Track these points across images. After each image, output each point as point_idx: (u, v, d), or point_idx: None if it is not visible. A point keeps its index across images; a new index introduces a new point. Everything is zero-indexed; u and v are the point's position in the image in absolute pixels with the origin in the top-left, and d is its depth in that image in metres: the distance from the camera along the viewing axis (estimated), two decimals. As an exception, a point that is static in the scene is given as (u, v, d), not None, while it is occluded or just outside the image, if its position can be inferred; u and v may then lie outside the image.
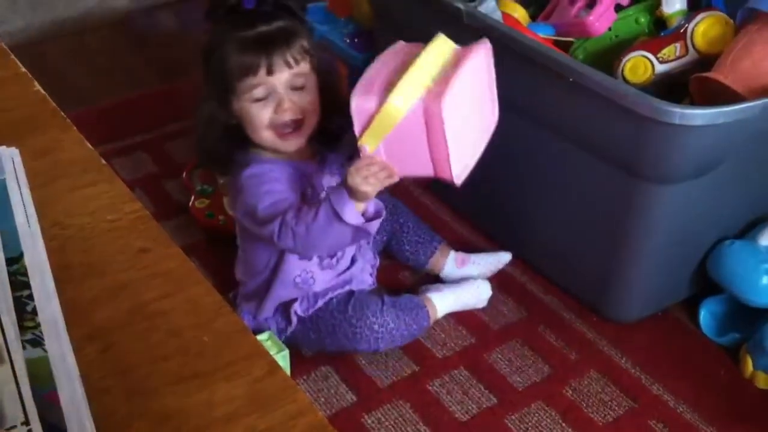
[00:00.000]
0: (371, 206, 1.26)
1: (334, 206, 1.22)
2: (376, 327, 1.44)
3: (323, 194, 1.33)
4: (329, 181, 1.38)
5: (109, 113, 2.13)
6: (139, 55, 2.43)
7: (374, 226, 1.26)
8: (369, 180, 1.19)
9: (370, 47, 2.00)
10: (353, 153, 1.24)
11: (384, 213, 1.28)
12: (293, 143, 1.33)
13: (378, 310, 1.44)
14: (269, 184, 1.31)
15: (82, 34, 2.50)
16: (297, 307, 1.45)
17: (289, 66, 1.28)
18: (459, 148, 1.17)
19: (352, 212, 1.22)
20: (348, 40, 2.06)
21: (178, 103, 2.16)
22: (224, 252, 1.62)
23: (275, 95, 1.29)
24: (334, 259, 1.44)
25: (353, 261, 1.47)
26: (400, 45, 1.25)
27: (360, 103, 1.16)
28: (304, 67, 1.30)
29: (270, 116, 1.30)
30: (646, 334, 1.60)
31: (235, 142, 1.35)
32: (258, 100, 1.29)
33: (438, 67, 1.17)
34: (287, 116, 1.30)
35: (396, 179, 1.21)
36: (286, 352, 1.34)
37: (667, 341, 1.59)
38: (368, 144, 1.17)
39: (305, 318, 1.46)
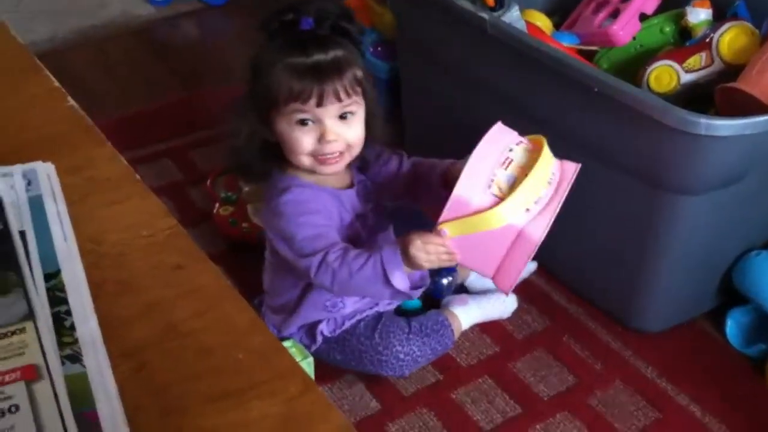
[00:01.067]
0: (416, 273, 1.26)
1: (384, 266, 1.21)
2: (401, 356, 1.44)
3: (368, 241, 1.34)
4: (364, 207, 1.37)
5: (133, 121, 2.14)
6: (162, 64, 2.45)
7: (417, 293, 1.27)
8: (431, 257, 1.19)
9: (393, 56, 2.01)
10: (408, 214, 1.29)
11: (428, 282, 1.29)
12: (332, 168, 1.30)
13: (404, 338, 1.44)
14: (309, 215, 1.28)
15: (105, 44, 2.52)
16: (324, 327, 1.45)
17: (339, 99, 1.24)
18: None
19: (401, 277, 1.22)
20: (371, 50, 2.06)
21: (202, 112, 2.18)
22: (247, 259, 1.63)
23: (321, 125, 1.25)
24: None
25: None
26: (501, 128, 1.24)
27: (463, 193, 1.16)
28: (355, 98, 1.27)
29: (313, 145, 1.26)
30: (671, 344, 1.59)
31: (273, 159, 1.33)
32: (303, 123, 1.26)
33: (543, 187, 1.18)
34: (331, 148, 1.27)
35: (454, 264, 1.22)
36: (311, 359, 1.35)
37: (693, 352, 1.58)
38: (449, 230, 1.17)
39: (331, 338, 1.46)
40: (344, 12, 1.28)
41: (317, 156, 1.28)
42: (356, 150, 1.31)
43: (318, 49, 1.23)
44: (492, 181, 1.16)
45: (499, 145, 1.21)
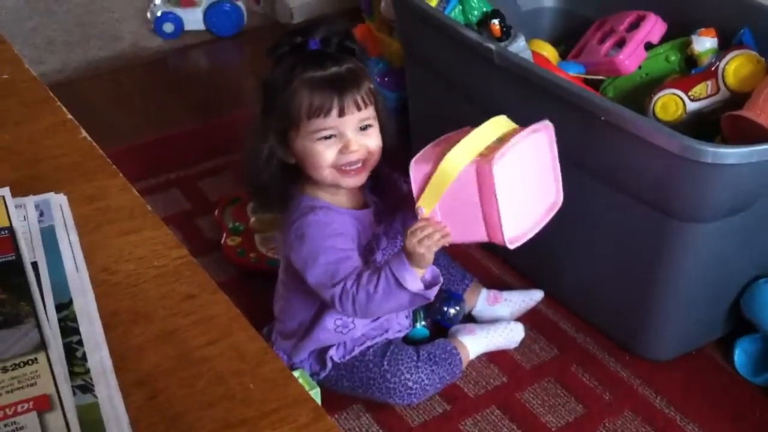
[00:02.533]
0: (428, 273, 1.27)
1: (394, 273, 1.23)
2: (410, 384, 1.44)
3: (382, 261, 1.34)
4: (378, 228, 1.39)
5: (143, 151, 2.16)
6: (172, 95, 2.47)
7: (433, 292, 1.27)
8: (424, 242, 1.21)
9: (400, 86, 2.03)
10: (407, 213, 1.28)
11: (441, 279, 1.29)
12: (354, 180, 1.32)
13: (413, 366, 1.44)
14: (334, 238, 1.30)
15: (117, 74, 2.56)
16: (333, 353, 1.45)
17: (358, 108, 1.27)
18: (512, 213, 1.20)
19: (413, 279, 1.24)
20: (378, 79, 2.09)
21: (211, 142, 2.19)
22: (256, 289, 1.64)
23: (343, 136, 1.28)
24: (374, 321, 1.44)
25: None
26: (467, 129, 1.27)
27: (418, 167, 1.21)
28: (371, 108, 1.30)
29: (335, 156, 1.29)
30: (680, 373, 1.59)
31: (291, 180, 1.34)
32: (325, 138, 1.28)
33: (495, 137, 1.21)
34: (354, 157, 1.29)
35: (450, 239, 1.23)
36: (318, 390, 1.35)
37: (701, 380, 1.58)
38: (425, 206, 1.20)
39: (340, 364, 1.46)
40: (348, 32, 1.31)
41: (340, 167, 1.30)
42: (375, 159, 1.33)
43: (332, 62, 1.27)
44: (450, 147, 1.20)
45: (459, 136, 1.24)
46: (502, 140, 1.21)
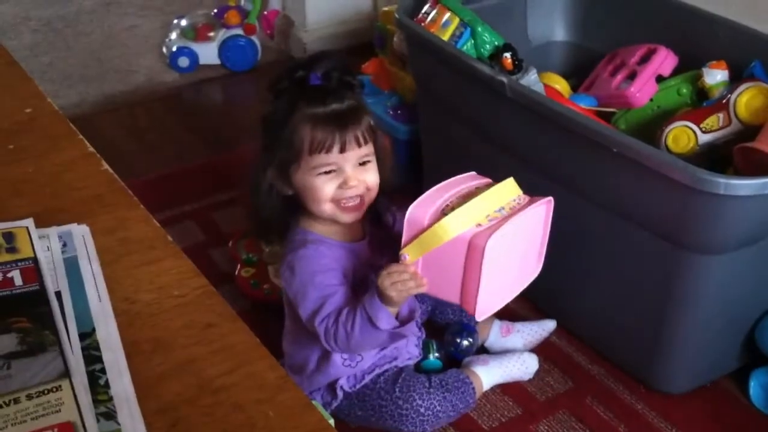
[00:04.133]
0: (404, 308, 1.28)
1: (368, 311, 1.25)
2: (422, 410, 1.44)
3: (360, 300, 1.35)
4: (378, 259, 1.39)
5: (158, 184, 2.18)
6: (187, 128, 2.50)
7: (409, 328, 1.28)
8: (397, 286, 1.22)
9: (412, 119, 2.04)
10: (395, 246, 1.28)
11: (418, 313, 1.31)
12: (353, 216, 1.34)
13: (425, 392, 1.44)
14: (323, 274, 1.31)
15: (133, 108, 2.59)
16: (344, 382, 1.45)
17: (359, 144, 1.29)
18: (491, 287, 1.20)
19: (385, 318, 1.25)
20: (391, 112, 2.10)
21: (225, 175, 2.21)
22: (269, 321, 1.64)
23: (342, 171, 1.29)
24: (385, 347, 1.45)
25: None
26: (472, 174, 1.30)
27: (414, 214, 1.21)
28: (370, 145, 1.32)
29: (334, 191, 1.30)
30: (695, 406, 1.58)
31: (290, 213, 1.36)
32: (325, 173, 1.30)
33: (497, 207, 1.22)
34: (352, 192, 1.31)
35: (423, 289, 1.23)
36: (332, 421, 1.35)
37: (716, 413, 1.57)
38: (409, 254, 1.21)
39: (351, 393, 1.46)
40: (346, 67, 1.33)
41: (339, 202, 1.31)
42: (373, 194, 1.34)
43: (334, 98, 1.29)
44: (447, 205, 1.20)
45: (465, 183, 1.26)
46: (502, 208, 1.22)
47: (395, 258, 1.25)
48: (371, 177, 1.33)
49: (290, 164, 1.31)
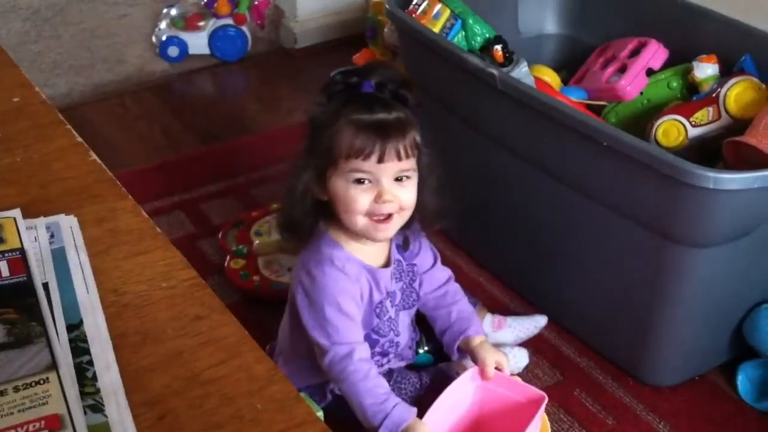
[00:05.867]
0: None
1: (384, 421, 1.25)
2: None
3: (396, 316, 1.38)
4: (395, 286, 1.38)
5: (147, 174, 2.17)
6: (177, 119, 2.49)
7: None
8: None
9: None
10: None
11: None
12: (384, 233, 1.30)
13: (415, 392, 1.44)
14: (343, 297, 1.29)
15: (122, 98, 2.57)
16: (334, 386, 1.44)
17: (399, 157, 1.24)
18: None
19: None
20: (382, 104, 2.09)
21: (214, 165, 2.21)
22: (259, 312, 1.64)
23: (378, 183, 1.25)
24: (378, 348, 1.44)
25: (397, 345, 1.46)
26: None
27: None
28: (412, 161, 1.27)
29: (369, 204, 1.26)
30: (683, 398, 1.59)
31: (322, 218, 1.33)
32: (359, 182, 1.25)
33: None
34: (386, 209, 1.26)
35: None
36: (321, 414, 1.35)
37: (704, 406, 1.58)
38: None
39: (341, 397, 1.46)
40: (404, 81, 1.29)
41: (372, 217, 1.27)
42: (407, 214, 1.30)
43: (382, 108, 1.25)
44: None
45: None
46: None
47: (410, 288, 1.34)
48: (407, 195, 1.27)
49: (327, 168, 1.26)
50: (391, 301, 1.38)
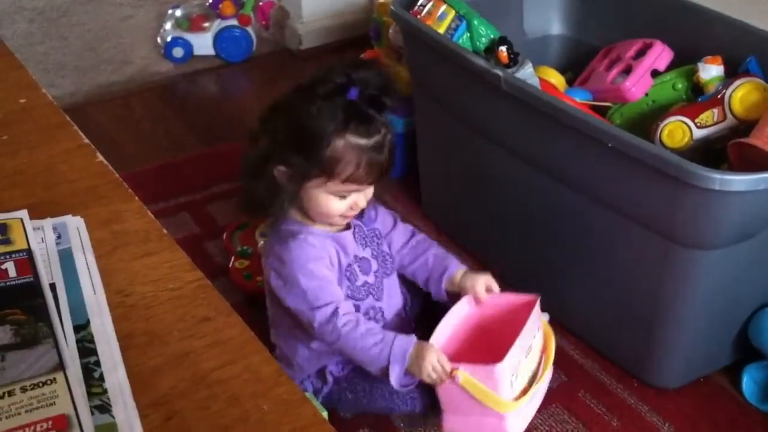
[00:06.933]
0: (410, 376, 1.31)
1: (390, 357, 1.28)
2: (413, 387, 1.43)
3: (375, 283, 1.40)
4: (362, 251, 1.41)
5: (152, 175, 2.18)
6: (181, 119, 2.49)
7: (404, 390, 1.33)
8: (431, 376, 1.27)
9: (408, 112, 2.04)
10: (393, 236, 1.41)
11: (416, 381, 1.32)
12: (345, 221, 1.38)
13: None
14: (315, 262, 1.33)
15: (127, 99, 2.58)
16: (333, 368, 1.45)
17: (383, 176, 1.32)
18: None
19: (398, 375, 1.29)
20: (386, 105, 2.09)
21: (220, 166, 2.21)
22: (262, 313, 1.63)
23: (356, 194, 1.32)
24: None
25: (381, 311, 1.47)
26: (538, 308, 1.35)
27: (498, 375, 1.24)
28: None
29: (344, 210, 1.33)
30: (688, 400, 1.59)
31: (284, 202, 1.36)
32: (342, 197, 1.32)
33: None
34: (356, 210, 1.35)
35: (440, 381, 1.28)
36: (325, 414, 1.35)
37: (709, 408, 1.57)
38: (463, 379, 1.25)
39: (341, 377, 1.46)
40: (387, 85, 1.30)
41: (343, 216, 1.35)
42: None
43: (375, 130, 1.28)
44: (515, 374, 1.27)
45: (533, 327, 1.32)
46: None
47: (379, 250, 1.36)
48: (372, 191, 1.36)
49: (313, 177, 1.30)
50: (363, 268, 1.40)
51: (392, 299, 1.45)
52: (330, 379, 1.45)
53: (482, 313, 1.41)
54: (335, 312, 1.30)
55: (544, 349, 1.38)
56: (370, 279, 1.41)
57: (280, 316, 1.43)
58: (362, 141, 1.27)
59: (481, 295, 1.39)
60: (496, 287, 1.41)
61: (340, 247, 1.37)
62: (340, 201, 1.32)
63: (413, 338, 1.30)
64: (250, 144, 1.37)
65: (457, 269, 1.44)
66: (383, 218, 1.48)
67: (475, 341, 1.40)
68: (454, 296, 1.42)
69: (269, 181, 1.33)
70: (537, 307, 1.33)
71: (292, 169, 1.31)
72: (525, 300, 1.37)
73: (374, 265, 1.42)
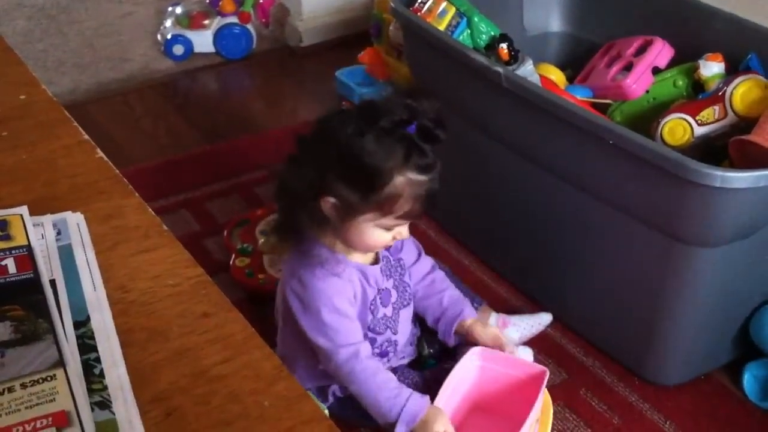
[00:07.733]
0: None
1: (401, 413, 1.26)
2: None
3: (393, 315, 1.40)
4: (386, 283, 1.39)
5: (152, 172, 2.17)
6: (181, 117, 2.49)
7: None
8: None
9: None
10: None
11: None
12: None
13: (417, 389, 1.43)
14: (338, 297, 1.30)
15: (126, 96, 2.57)
16: (335, 389, 1.44)
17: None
18: None
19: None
20: (387, 102, 2.09)
21: (219, 164, 2.21)
22: (263, 310, 1.64)
23: (401, 227, 1.31)
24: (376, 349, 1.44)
25: (395, 343, 1.46)
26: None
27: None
28: None
29: (388, 241, 1.31)
30: (689, 397, 1.58)
31: (318, 228, 1.32)
32: (387, 229, 1.30)
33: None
34: (398, 239, 1.33)
35: None
36: (326, 412, 1.35)
37: (710, 405, 1.57)
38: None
39: (343, 397, 1.45)
40: (441, 115, 1.27)
41: (385, 247, 1.36)
42: None
43: (434, 164, 1.26)
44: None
45: (539, 407, 1.32)
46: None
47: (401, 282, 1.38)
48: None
49: (367, 211, 1.26)
50: (383, 300, 1.38)
51: (405, 329, 1.45)
52: (331, 398, 1.45)
53: (484, 382, 1.38)
54: (356, 354, 1.29)
55: (540, 420, 1.36)
56: (389, 311, 1.39)
57: (290, 330, 1.41)
58: (422, 177, 1.24)
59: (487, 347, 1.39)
60: (503, 344, 1.40)
61: (366, 280, 1.35)
62: (386, 233, 1.29)
63: (426, 401, 1.27)
64: (290, 166, 1.30)
65: (470, 316, 1.44)
66: (408, 248, 1.47)
67: (477, 399, 1.39)
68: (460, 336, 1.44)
69: (314, 210, 1.27)
70: (544, 385, 1.31)
71: (342, 202, 1.25)
72: (532, 373, 1.35)
73: (393, 296, 1.41)
